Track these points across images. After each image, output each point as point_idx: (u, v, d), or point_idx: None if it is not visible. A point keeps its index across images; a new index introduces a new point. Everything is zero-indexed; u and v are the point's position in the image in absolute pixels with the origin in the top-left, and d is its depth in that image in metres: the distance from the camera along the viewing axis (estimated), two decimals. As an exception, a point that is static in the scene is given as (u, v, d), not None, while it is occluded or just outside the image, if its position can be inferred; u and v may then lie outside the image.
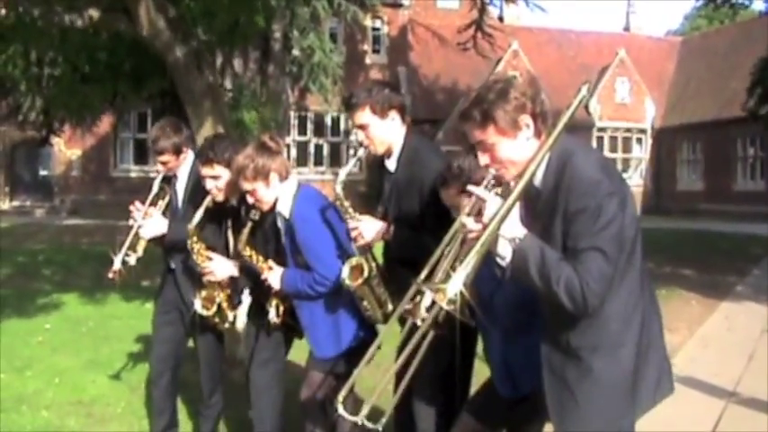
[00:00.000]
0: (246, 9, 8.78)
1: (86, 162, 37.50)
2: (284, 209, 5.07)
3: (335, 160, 38.27)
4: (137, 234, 5.89)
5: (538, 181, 3.30)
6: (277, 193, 5.05)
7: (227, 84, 12.28)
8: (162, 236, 5.89)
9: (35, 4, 9.52)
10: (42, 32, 10.43)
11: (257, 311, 5.52)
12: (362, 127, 4.68)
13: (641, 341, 3.35)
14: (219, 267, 5.37)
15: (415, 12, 42.07)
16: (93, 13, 9.26)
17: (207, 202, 5.23)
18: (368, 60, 39.65)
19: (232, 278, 5.50)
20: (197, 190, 5.69)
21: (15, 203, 37.34)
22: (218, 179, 5.40)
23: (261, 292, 5.45)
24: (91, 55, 11.75)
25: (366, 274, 4.62)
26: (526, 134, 3.30)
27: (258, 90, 17.84)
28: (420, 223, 4.55)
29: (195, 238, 5.32)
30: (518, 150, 3.30)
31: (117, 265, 5.93)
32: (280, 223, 5.18)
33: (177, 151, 5.86)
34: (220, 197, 5.46)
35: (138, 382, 7.84)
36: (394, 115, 4.71)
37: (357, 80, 36.07)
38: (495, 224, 3.07)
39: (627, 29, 52.93)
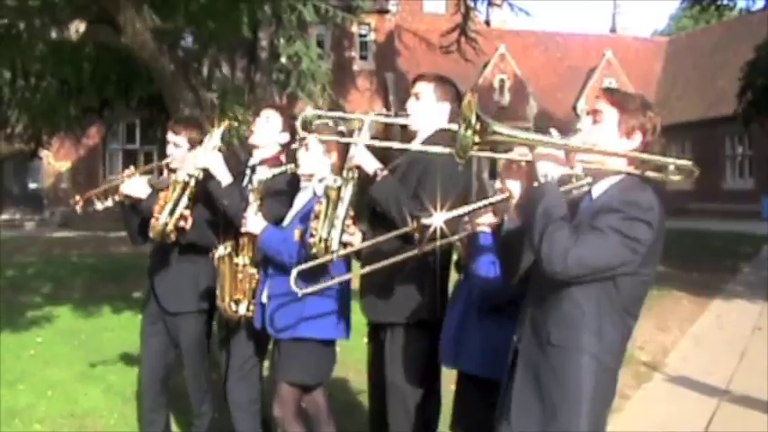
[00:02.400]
0: (232, 17, 8.77)
1: (75, 174, 37.45)
2: (320, 189, 5.04)
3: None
4: (117, 187, 5.86)
5: (597, 192, 3.41)
6: (320, 170, 5.09)
7: (214, 93, 12.25)
8: (138, 201, 5.81)
9: (20, 16, 9.50)
10: (28, 45, 10.42)
11: (225, 323, 5.54)
12: (417, 96, 4.83)
13: (607, 377, 3.36)
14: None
15: (402, 17, 42.13)
16: (80, 25, 9.25)
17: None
18: (355, 67, 39.68)
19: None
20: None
21: (5, 217, 37.26)
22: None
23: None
24: (77, 66, 11.74)
25: (336, 195, 4.58)
26: (626, 145, 3.39)
27: (246, 98, 17.80)
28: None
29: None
30: (609, 144, 3.39)
31: (88, 194, 5.95)
32: (303, 196, 5.21)
33: (192, 143, 5.89)
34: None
35: (130, 393, 7.81)
36: (445, 108, 4.85)
37: (345, 87, 36.06)
38: (546, 144, 3.24)
39: (613, 30, 53.11)
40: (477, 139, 3.07)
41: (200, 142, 5.85)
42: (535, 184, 3.27)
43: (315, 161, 5.12)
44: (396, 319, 4.69)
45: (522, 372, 3.40)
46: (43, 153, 32.12)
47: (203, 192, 5.53)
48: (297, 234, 5.02)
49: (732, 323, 11.64)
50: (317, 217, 4.64)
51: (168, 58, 9.21)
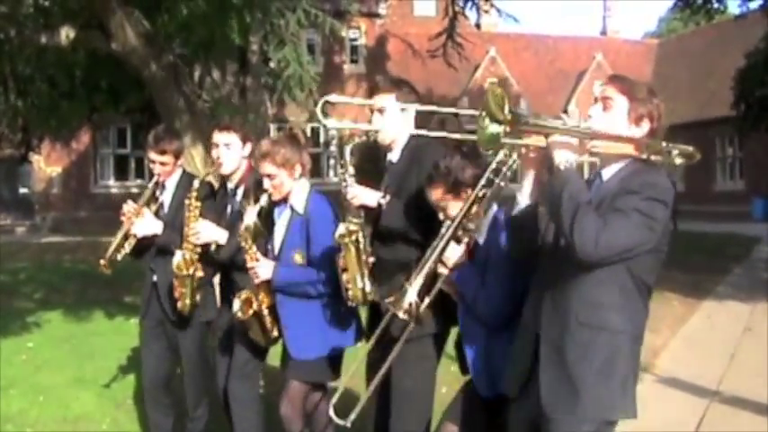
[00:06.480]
0: (222, 24, 8.77)
1: (67, 179, 37.29)
2: (298, 203, 5.16)
3: (315, 171, 38.10)
4: (128, 231, 5.92)
5: (607, 175, 3.55)
6: (292, 186, 5.15)
7: (206, 97, 12.25)
8: (152, 237, 5.94)
9: (10, 23, 9.50)
10: (19, 50, 10.42)
11: (228, 325, 5.55)
12: (381, 111, 4.78)
13: (639, 343, 3.52)
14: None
15: (392, 21, 42.07)
16: (69, 31, 9.24)
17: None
18: (346, 71, 39.63)
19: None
20: (183, 201, 5.80)
21: (-5, 222, 37.12)
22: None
23: (228, 283, 5.62)
24: (68, 72, 11.73)
25: (356, 238, 4.59)
26: (633, 132, 3.52)
27: (237, 102, 17.84)
28: (417, 209, 4.58)
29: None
30: (620, 131, 3.51)
31: (108, 254, 5.98)
32: (283, 217, 5.24)
33: (177, 154, 5.98)
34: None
35: (123, 398, 7.82)
36: (411, 113, 4.83)
37: (335, 91, 35.98)
38: (562, 129, 3.32)
39: (604, 32, 53.18)
40: (507, 129, 3.07)
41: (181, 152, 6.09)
42: (558, 168, 3.33)
43: (285, 185, 5.15)
44: (408, 336, 4.71)
45: (547, 354, 3.50)
46: (34, 158, 32.04)
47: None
48: (298, 258, 5.08)
49: (723, 324, 11.68)
50: (344, 270, 4.67)
51: (159, 63, 9.21)
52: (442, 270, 4.12)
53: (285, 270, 5.12)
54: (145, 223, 5.91)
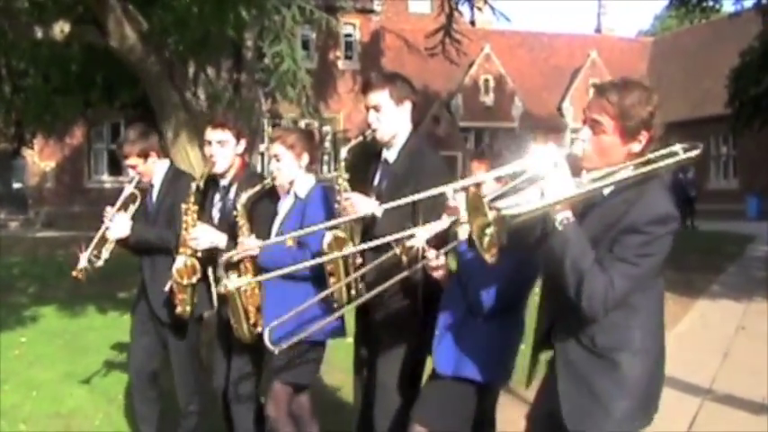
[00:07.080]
0: (218, 21, 8.73)
1: (60, 174, 37.25)
2: (301, 191, 5.15)
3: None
4: (104, 236, 5.91)
5: (607, 189, 3.32)
6: (296, 175, 5.15)
7: (201, 93, 12.18)
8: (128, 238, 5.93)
9: (4, 16, 9.47)
10: (13, 44, 10.38)
11: (226, 324, 5.51)
12: (376, 108, 4.73)
13: (661, 355, 3.47)
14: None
15: (387, 17, 42.06)
16: (64, 25, 9.21)
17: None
18: (340, 66, 39.63)
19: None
20: (170, 198, 5.87)
21: (-11, 216, 37.04)
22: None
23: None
24: (62, 67, 11.70)
25: (346, 247, 4.57)
26: (632, 148, 3.31)
27: (231, 98, 17.86)
28: (412, 220, 4.55)
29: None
30: (615, 154, 3.31)
31: (82, 263, 5.96)
32: (285, 205, 5.22)
33: (144, 155, 5.95)
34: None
35: (115, 393, 7.81)
36: (407, 107, 4.79)
37: (329, 87, 36.00)
38: (552, 199, 3.09)
39: (598, 30, 53.20)
40: (496, 228, 2.89)
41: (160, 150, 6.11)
42: (556, 229, 3.16)
43: (289, 169, 5.15)
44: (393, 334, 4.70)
45: (565, 372, 3.42)
46: (28, 152, 31.96)
47: None
48: (289, 242, 5.06)
49: (716, 323, 11.69)
50: (331, 274, 4.69)
51: (154, 59, 9.17)
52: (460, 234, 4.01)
53: (273, 249, 5.07)
54: (118, 226, 5.90)
